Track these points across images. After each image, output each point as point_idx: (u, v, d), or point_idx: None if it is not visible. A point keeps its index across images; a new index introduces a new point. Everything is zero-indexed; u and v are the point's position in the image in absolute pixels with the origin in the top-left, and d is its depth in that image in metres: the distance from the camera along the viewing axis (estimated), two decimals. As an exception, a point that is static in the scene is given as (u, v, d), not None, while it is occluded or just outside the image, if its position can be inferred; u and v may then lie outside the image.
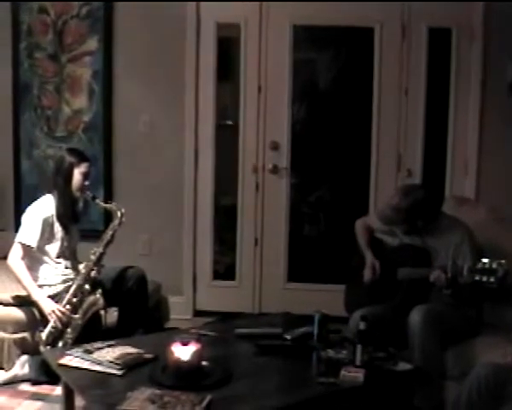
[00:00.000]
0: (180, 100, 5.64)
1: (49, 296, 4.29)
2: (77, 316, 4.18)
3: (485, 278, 3.61)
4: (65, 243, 4.45)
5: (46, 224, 4.35)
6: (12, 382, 4.26)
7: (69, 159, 4.43)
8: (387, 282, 4.13)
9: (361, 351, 3.27)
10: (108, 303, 4.32)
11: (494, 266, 3.60)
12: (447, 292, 3.82)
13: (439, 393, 3.72)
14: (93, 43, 5.62)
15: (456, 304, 3.92)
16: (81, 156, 4.50)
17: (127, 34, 5.61)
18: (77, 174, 4.41)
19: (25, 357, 4.32)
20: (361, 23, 5.57)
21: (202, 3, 5.57)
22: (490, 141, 5.46)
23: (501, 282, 3.58)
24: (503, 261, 3.59)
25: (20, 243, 4.31)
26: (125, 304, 4.53)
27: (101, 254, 4.35)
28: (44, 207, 4.39)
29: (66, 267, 4.46)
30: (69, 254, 4.50)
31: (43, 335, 4.15)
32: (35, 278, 4.32)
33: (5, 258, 4.35)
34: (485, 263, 3.63)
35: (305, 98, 5.79)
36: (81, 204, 4.56)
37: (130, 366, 3.23)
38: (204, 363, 3.19)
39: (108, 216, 4.63)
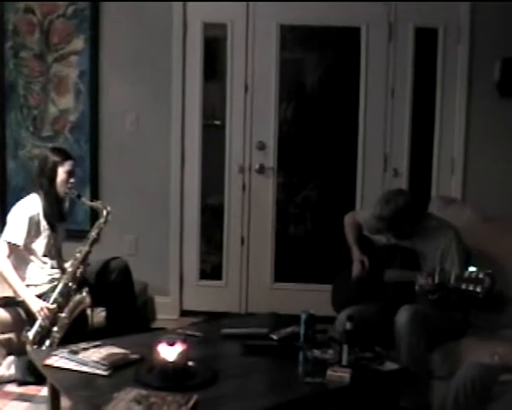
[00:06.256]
0: (167, 100, 5.63)
1: (36, 296, 4.27)
2: (63, 315, 4.17)
3: (471, 287, 3.58)
4: (51, 242, 4.43)
5: (32, 222, 4.33)
6: (-2, 383, 4.26)
7: (53, 158, 4.42)
8: (375, 281, 4.14)
9: (347, 351, 3.27)
10: (95, 300, 4.30)
11: (481, 275, 3.56)
12: (433, 297, 3.80)
13: (425, 393, 3.73)
14: (79, 43, 5.60)
15: (443, 307, 3.92)
16: (65, 155, 4.48)
17: (114, 34, 5.60)
18: (61, 173, 4.40)
19: (11, 358, 4.30)
20: (348, 23, 5.58)
21: (189, 3, 5.56)
22: (476, 140, 5.48)
23: (487, 292, 3.56)
24: (489, 271, 3.56)
25: (6, 241, 4.29)
26: (111, 297, 4.51)
27: (87, 253, 4.34)
28: (30, 205, 4.37)
29: (53, 267, 4.45)
30: (55, 253, 4.49)
31: (30, 334, 4.13)
32: (21, 278, 4.30)
33: (-10, 259, 4.34)
34: (472, 272, 3.60)
35: (292, 98, 5.78)
36: (67, 203, 4.56)
37: (117, 367, 3.22)
38: (190, 363, 3.18)
39: (94, 216, 4.62)
